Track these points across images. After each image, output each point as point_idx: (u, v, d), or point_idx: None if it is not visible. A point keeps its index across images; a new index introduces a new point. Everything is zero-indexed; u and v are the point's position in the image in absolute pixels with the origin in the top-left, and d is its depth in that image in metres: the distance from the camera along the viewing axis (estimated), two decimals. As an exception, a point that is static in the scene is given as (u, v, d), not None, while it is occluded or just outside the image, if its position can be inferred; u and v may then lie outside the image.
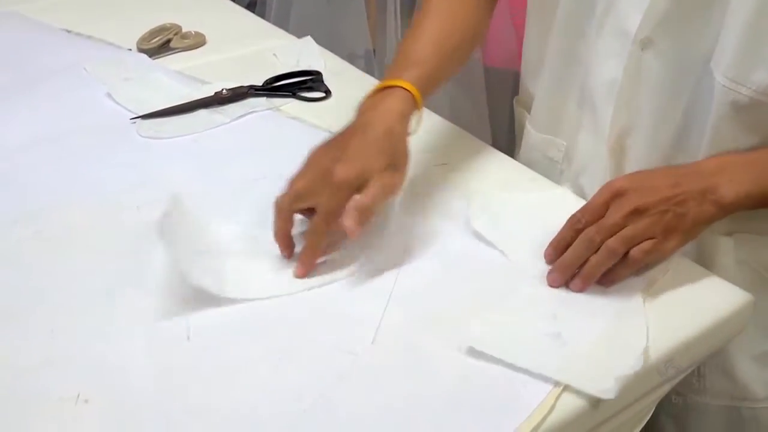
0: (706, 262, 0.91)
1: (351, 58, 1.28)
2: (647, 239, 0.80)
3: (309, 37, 1.31)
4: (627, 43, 0.90)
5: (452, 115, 1.14)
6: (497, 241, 0.87)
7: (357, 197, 0.81)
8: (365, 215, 0.81)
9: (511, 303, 0.80)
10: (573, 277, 0.82)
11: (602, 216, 0.81)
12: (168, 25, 1.32)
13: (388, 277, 0.83)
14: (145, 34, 1.30)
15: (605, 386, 0.70)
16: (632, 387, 0.73)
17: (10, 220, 0.91)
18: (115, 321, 0.78)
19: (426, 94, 0.91)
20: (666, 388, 0.80)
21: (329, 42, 1.33)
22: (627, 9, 0.90)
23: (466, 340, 0.74)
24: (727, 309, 0.80)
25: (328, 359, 0.74)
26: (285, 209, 0.84)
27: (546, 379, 0.71)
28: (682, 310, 0.79)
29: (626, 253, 0.80)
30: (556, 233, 0.85)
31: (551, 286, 0.82)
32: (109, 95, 1.15)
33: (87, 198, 0.95)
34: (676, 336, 0.77)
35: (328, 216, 0.81)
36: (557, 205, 0.92)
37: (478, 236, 0.88)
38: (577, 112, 1.00)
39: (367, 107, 0.88)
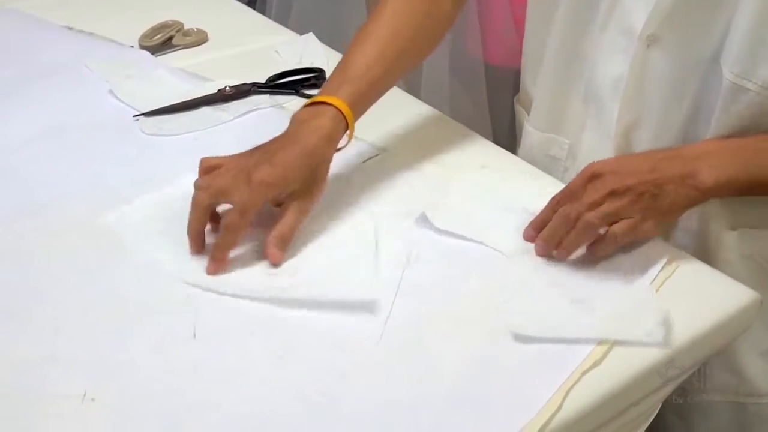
0: (710, 257, 0.92)
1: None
2: (624, 219, 0.81)
3: (311, 34, 1.31)
4: (633, 40, 0.90)
5: (453, 113, 1.13)
6: (466, 232, 0.88)
7: (278, 227, 0.83)
8: (286, 242, 0.84)
9: (516, 285, 0.82)
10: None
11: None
12: (170, 22, 1.32)
13: (393, 274, 0.83)
14: (147, 31, 1.30)
15: (650, 331, 0.75)
16: (635, 386, 0.73)
17: (13, 216, 0.90)
18: (120, 318, 0.78)
19: (361, 109, 0.93)
20: (671, 387, 0.79)
21: (329, 39, 1.32)
22: (632, 5, 0.90)
23: (507, 328, 0.76)
24: (733, 307, 0.80)
25: (333, 356, 0.74)
26: (203, 206, 0.84)
27: (562, 369, 0.72)
28: (687, 308, 0.79)
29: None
30: (517, 209, 0.90)
31: (538, 254, 0.85)
32: (111, 92, 1.14)
33: (90, 194, 0.94)
34: (681, 335, 0.76)
35: (244, 212, 0.82)
36: (510, 183, 0.96)
37: (447, 233, 0.88)
38: (581, 110, 1.00)
39: (299, 120, 0.89)
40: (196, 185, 0.85)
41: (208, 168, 0.87)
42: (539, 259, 0.85)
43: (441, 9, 1.00)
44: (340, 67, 0.94)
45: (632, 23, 0.90)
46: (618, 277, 0.83)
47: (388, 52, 0.94)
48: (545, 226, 0.86)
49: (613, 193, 0.81)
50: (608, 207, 0.81)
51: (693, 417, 1.02)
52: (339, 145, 0.90)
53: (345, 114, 0.89)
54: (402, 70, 0.99)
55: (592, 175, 0.83)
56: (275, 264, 0.83)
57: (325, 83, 0.94)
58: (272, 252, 0.83)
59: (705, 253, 0.93)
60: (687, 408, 1.01)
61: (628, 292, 0.81)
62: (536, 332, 0.75)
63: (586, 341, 0.74)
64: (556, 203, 0.86)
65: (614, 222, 0.82)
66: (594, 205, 0.82)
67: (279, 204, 0.86)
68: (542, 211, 0.87)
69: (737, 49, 0.83)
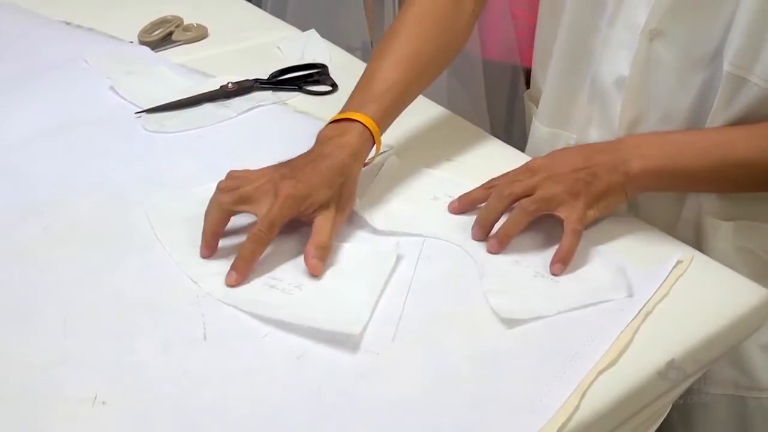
0: (705, 246, 0.93)
1: (348, 51, 1.27)
2: (561, 204, 0.84)
3: (313, 31, 1.30)
4: (637, 35, 0.90)
5: (450, 108, 1.13)
6: (408, 228, 0.88)
7: (315, 237, 0.82)
8: (326, 252, 0.82)
9: (487, 269, 0.83)
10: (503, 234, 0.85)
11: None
12: (169, 17, 1.31)
13: (405, 274, 0.82)
14: (147, 26, 1.28)
15: (613, 285, 0.80)
16: (648, 389, 0.73)
17: (18, 215, 0.89)
18: (128, 319, 0.77)
19: (386, 125, 0.93)
20: (684, 386, 0.79)
21: (326, 34, 1.32)
22: (638, 0, 0.90)
23: (497, 312, 0.77)
24: (746, 306, 0.79)
25: (348, 357, 0.73)
26: (223, 208, 0.83)
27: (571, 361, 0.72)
28: (700, 307, 0.79)
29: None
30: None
31: (474, 239, 0.86)
32: (112, 89, 1.13)
33: (93, 193, 0.93)
34: (694, 335, 0.76)
35: (272, 226, 0.81)
36: (438, 181, 0.96)
37: (388, 233, 0.88)
38: (587, 106, 1.00)
39: (325, 138, 0.89)
40: (219, 187, 0.84)
41: (234, 177, 0.86)
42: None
43: (459, 22, 1.01)
44: (363, 84, 0.94)
45: (637, 18, 0.90)
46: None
47: (409, 69, 0.95)
48: (470, 198, 0.89)
49: (547, 179, 0.84)
50: (543, 192, 0.84)
51: (692, 413, 1.02)
52: (366, 160, 0.91)
53: (371, 130, 0.89)
54: (423, 86, 0.99)
55: (528, 168, 0.87)
56: (316, 276, 0.80)
57: (348, 100, 0.93)
58: (312, 263, 0.81)
59: (699, 242, 0.94)
60: (686, 404, 1.01)
61: (580, 255, 0.83)
62: (522, 315, 0.77)
63: (563, 312, 0.77)
64: (489, 183, 0.89)
65: (549, 209, 0.84)
66: (529, 189, 0.84)
67: (303, 220, 0.84)
68: (473, 190, 0.90)
69: (738, 41, 0.83)
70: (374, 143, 0.90)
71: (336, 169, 0.85)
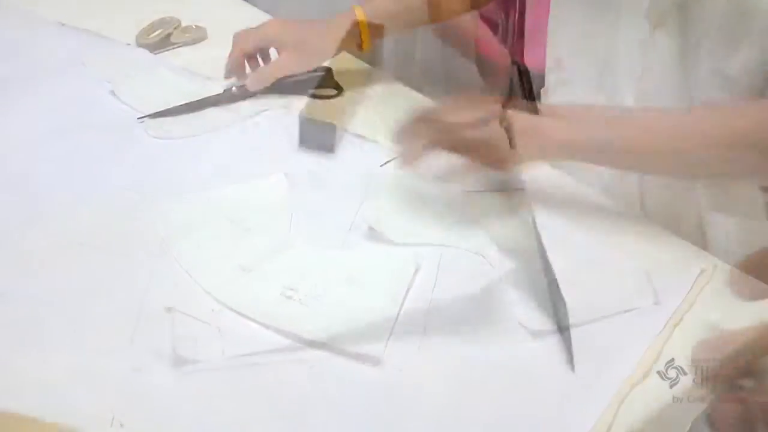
0: (712, 249, 0.91)
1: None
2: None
3: (316, 32, 1.27)
4: (642, 24, 0.89)
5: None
6: (424, 238, 0.86)
7: (266, 67, 1.09)
8: (266, 80, 1.08)
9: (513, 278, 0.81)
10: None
11: None
12: (167, 19, 1.27)
13: (426, 285, 0.80)
14: (146, 27, 1.25)
15: (640, 293, 0.79)
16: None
17: (21, 225, 0.87)
18: (142, 334, 0.74)
19: (388, 21, 1.10)
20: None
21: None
22: None
23: (523, 324, 0.76)
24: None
25: (371, 372, 0.71)
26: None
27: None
28: (723, 318, 0.77)
29: None
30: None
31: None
32: (112, 93, 1.10)
33: (98, 200, 0.91)
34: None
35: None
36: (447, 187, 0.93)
37: (405, 244, 0.86)
38: (593, 101, 0.98)
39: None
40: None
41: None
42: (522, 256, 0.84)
43: None
44: None
45: (642, 7, 0.89)
46: (592, 253, 0.83)
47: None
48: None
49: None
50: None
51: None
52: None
53: (360, 24, 1.08)
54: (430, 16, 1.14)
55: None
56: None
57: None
58: (251, 83, 1.08)
59: (707, 248, 0.92)
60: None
61: (604, 264, 0.82)
62: (544, 325, 0.76)
63: (591, 322, 0.76)
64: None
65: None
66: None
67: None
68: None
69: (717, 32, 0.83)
70: (359, 29, 1.08)
71: (311, 23, 1.10)
